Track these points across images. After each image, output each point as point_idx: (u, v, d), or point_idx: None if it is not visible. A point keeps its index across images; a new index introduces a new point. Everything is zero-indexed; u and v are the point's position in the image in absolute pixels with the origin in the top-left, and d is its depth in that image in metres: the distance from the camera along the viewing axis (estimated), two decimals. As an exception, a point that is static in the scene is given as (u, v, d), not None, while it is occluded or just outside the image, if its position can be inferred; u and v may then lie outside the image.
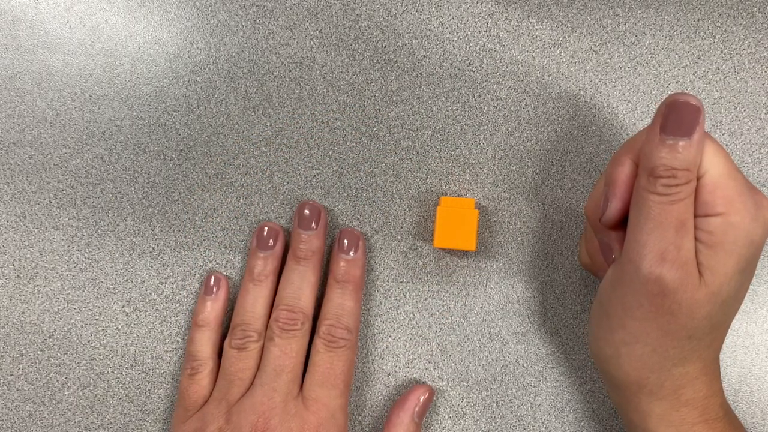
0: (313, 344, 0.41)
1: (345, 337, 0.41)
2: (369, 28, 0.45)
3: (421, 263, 0.44)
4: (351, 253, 0.43)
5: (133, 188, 0.45)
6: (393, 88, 0.45)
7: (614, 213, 0.35)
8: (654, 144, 0.32)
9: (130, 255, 0.45)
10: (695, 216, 0.33)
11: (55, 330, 0.44)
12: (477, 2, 0.45)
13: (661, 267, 0.32)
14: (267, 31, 0.45)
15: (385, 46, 0.45)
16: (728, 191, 0.32)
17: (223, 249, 0.44)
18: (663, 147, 0.32)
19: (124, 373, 0.44)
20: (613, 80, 0.44)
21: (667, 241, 0.32)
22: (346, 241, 0.43)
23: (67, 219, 0.45)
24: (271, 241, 0.43)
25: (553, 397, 0.44)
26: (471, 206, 0.42)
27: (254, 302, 0.42)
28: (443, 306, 0.44)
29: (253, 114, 0.45)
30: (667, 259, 0.32)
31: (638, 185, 0.33)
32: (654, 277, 0.32)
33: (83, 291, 0.44)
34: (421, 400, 0.42)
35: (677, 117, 0.32)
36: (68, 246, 0.45)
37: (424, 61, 0.44)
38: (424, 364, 0.44)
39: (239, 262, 0.44)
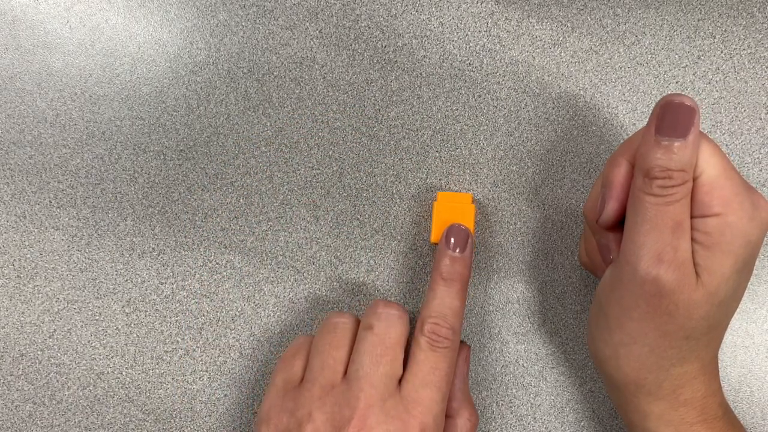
0: (414, 341, 0.38)
1: (449, 338, 0.38)
2: (369, 28, 0.45)
3: (421, 263, 0.44)
4: (458, 251, 0.40)
5: (133, 188, 0.45)
6: (393, 88, 0.45)
7: (611, 214, 0.35)
8: (649, 145, 0.32)
9: (130, 255, 0.45)
10: (692, 217, 0.33)
11: (55, 330, 0.44)
12: (477, 2, 0.45)
13: (657, 268, 0.32)
14: (267, 31, 0.45)
15: (385, 46, 0.45)
16: (725, 191, 0.32)
17: (223, 249, 0.44)
18: (658, 148, 0.32)
19: (124, 373, 0.44)
20: (613, 80, 0.44)
21: (664, 242, 0.32)
22: (453, 238, 0.41)
23: (67, 219, 0.45)
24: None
25: (553, 397, 0.44)
26: (468, 201, 0.42)
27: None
28: (443, 306, 0.44)
29: (253, 114, 0.45)
30: (664, 260, 0.32)
31: (634, 186, 0.33)
32: (651, 278, 0.32)
33: (83, 291, 0.44)
34: (464, 360, 0.41)
35: (672, 118, 0.32)
36: (68, 246, 0.45)
37: (424, 61, 0.44)
38: (423, 364, 0.44)
39: (239, 262, 0.44)
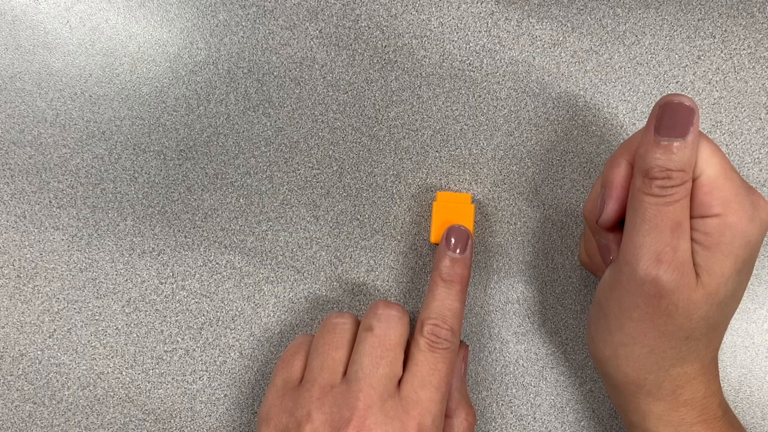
0: (413, 341, 0.38)
1: (449, 339, 0.38)
2: (369, 28, 0.45)
3: (421, 263, 0.44)
4: (458, 252, 0.40)
5: (133, 188, 0.45)
6: (393, 88, 0.45)
7: (611, 214, 0.35)
8: (648, 145, 0.32)
9: (130, 255, 0.45)
10: (692, 217, 0.33)
11: (55, 330, 0.44)
12: (477, 2, 0.45)
13: (657, 268, 0.32)
14: (267, 31, 0.45)
15: (385, 46, 0.45)
16: (725, 192, 0.32)
17: (223, 249, 0.44)
18: (657, 148, 0.32)
19: (124, 373, 0.44)
20: (613, 80, 0.44)
21: (663, 242, 0.32)
22: (453, 239, 0.41)
23: (67, 219, 0.45)
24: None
25: (553, 397, 0.44)
26: (467, 201, 0.42)
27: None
28: (443, 306, 0.44)
29: (253, 114, 0.45)
30: (663, 260, 0.32)
31: (634, 187, 0.33)
32: (650, 279, 0.32)
33: (83, 291, 0.44)
34: (462, 359, 0.41)
35: (671, 118, 0.32)
36: (68, 246, 0.45)
37: (424, 61, 0.44)
38: (423, 364, 0.44)
39: (239, 262, 0.44)
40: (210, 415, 0.44)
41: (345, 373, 0.38)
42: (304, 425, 0.36)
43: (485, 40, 0.44)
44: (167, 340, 0.44)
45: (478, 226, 0.44)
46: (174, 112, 0.45)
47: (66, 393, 0.44)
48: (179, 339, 0.44)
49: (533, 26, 0.44)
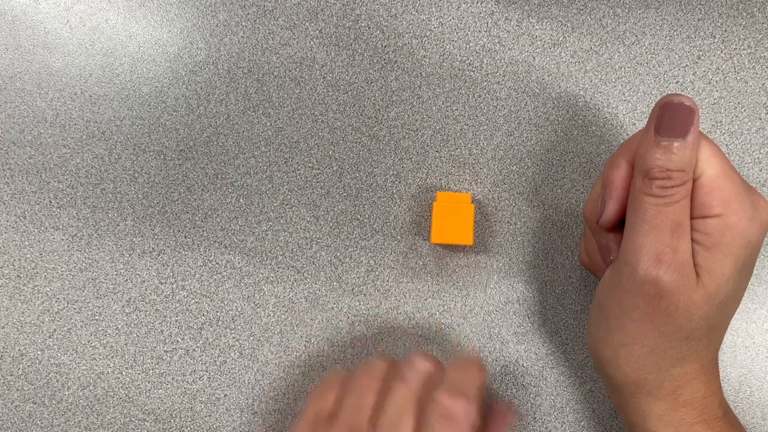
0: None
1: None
2: (369, 28, 0.45)
3: (421, 263, 0.44)
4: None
5: (133, 188, 0.45)
6: (393, 88, 0.45)
7: (611, 215, 0.35)
8: (649, 145, 0.32)
9: (130, 255, 0.45)
10: (692, 217, 0.33)
11: (55, 330, 0.44)
12: (477, 2, 0.45)
13: (657, 269, 0.32)
14: (267, 31, 0.45)
15: (385, 46, 0.45)
16: (725, 192, 0.32)
17: (223, 249, 0.44)
18: (657, 148, 0.32)
19: (124, 373, 0.44)
20: (613, 80, 0.44)
21: (663, 243, 0.32)
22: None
23: (67, 219, 0.45)
24: None
25: (553, 397, 0.44)
26: (467, 201, 0.42)
27: None
28: (443, 306, 0.44)
29: (253, 114, 0.45)
30: (663, 260, 0.32)
31: (634, 187, 0.33)
32: (650, 279, 0.32)
33: (83, 291, 0.44)
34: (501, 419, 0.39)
35: (671, 118, 0.32)
36: (68, 246, 0.45)
37: (424, 61, 0.44)
38: (423, 364, 0.44)
39: (239, 262, 0.44)
40: (210, 415, 0.44)
41: (373, 417, 0.37)
42: None
43: (485, 40, 0.44)
44: (167, 340, 0.44)
45: (478, 226, 0.44)
46: (174, 112, 0.45)
47: (66, 393, 0.44)
48: (179, 339, 0.44)
49: (533, 26, 0.44)
